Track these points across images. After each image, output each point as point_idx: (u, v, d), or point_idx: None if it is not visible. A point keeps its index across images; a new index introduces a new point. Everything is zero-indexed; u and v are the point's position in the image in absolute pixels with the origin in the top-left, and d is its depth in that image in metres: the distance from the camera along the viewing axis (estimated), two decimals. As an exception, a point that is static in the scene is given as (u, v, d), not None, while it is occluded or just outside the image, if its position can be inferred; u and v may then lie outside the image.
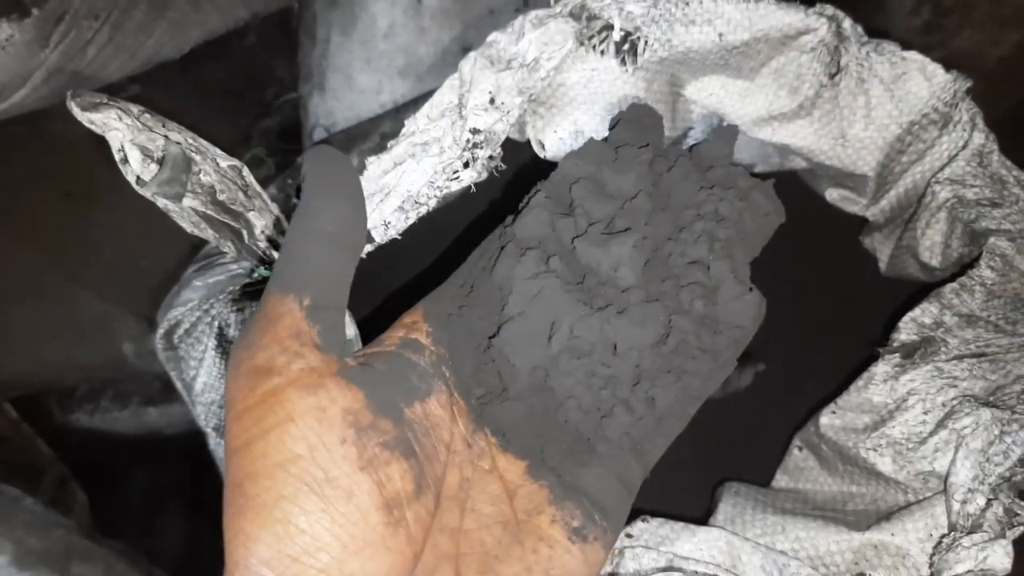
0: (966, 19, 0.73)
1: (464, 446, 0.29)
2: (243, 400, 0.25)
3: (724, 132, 0.36)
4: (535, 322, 0.30)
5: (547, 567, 0.28)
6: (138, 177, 0.28)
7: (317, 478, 0.24)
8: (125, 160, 0.27)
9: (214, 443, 0.45)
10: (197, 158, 0.29)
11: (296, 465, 0.24)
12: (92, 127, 0.26)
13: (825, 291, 0.49)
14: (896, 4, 0.75)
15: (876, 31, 0.80)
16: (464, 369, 0.30)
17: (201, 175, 0.29)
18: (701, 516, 0.41)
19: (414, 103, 0.51)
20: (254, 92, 0.86)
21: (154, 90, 0.81)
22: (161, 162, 0.28)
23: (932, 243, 0.40)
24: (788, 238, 0.50)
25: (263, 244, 0.35)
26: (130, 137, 0.26)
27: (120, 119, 0.26)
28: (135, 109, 0.27)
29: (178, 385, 0.46)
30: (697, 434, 0.49)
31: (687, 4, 0.35)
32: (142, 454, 0.97)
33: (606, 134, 0.40)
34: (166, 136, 0.28)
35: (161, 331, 0.42)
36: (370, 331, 0.32)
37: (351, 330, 0.31)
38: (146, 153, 0.27)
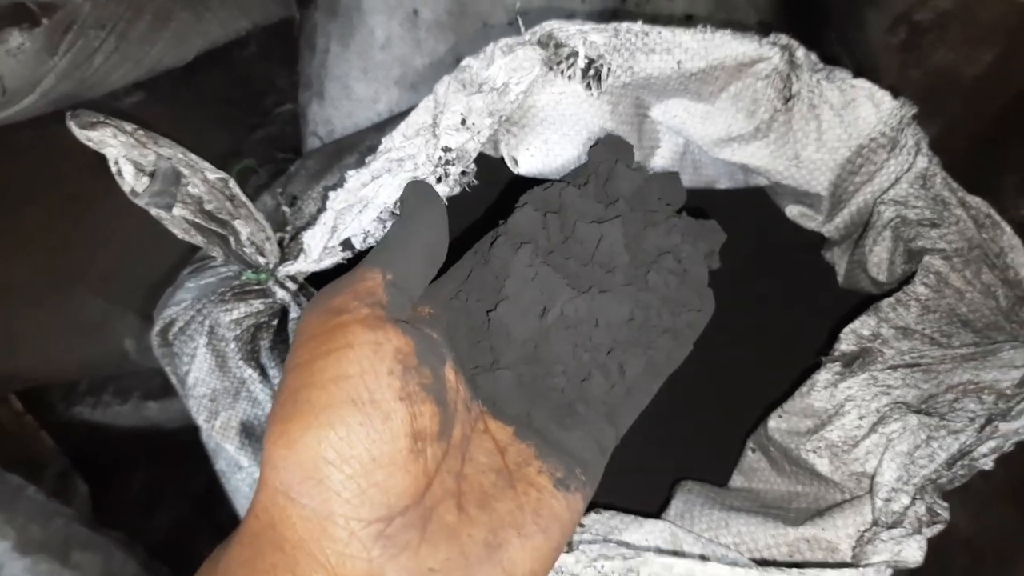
0: (941, 39, 0.75)
1: (464, 409, 0.33)
2: (313, 328, 0.30)
3: (666, 179, 0.41)
4: (530, 300, 0.35)
5: (536, 507, 0.31)
6: (132, 188, 0.30)
7: (362, 397, 0.28)
8: (120, 173, 0.30)
9: (206, 435, 0.48)
10: (186, 172, 0.31)
11: (347, 382, 0.28)
12: (89, 144, 0.29)
13: (788, 301, 0.52)
14: (874, 23, 0.77)
15: (854, 50, 0.82)
16: (460, 346, 0.34)
17: (190, 187, 0.32)
18: (656, 513, 0.43)
19: (398, 118, 0.54)
20: (254, 100, 0.89)
21: (156, 97, 0.83)
22: (152, 175, 0.30)
23: (879, 259, 0.42)
24: (753, 251, 0.52)
25: (249, 249, 0.37)
26: (124, 153, 0.29)
27: (115, 136, 0.29)
28: (129, 127, 0.30)
29: (173, 379, 0.48)
30: (661, 437, 0.52)
31: (646, 34, 0.38)
32: (142, 447, 0.98)
33: (574, 150, 0.43)
34: (157, 152, 0.31)
35: (157, 329, 0.45)
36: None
37: None
38: (139, 167, 0.30)
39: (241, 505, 0.52)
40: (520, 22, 0.39)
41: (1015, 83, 0.76)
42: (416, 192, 0.37)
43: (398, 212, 0.39)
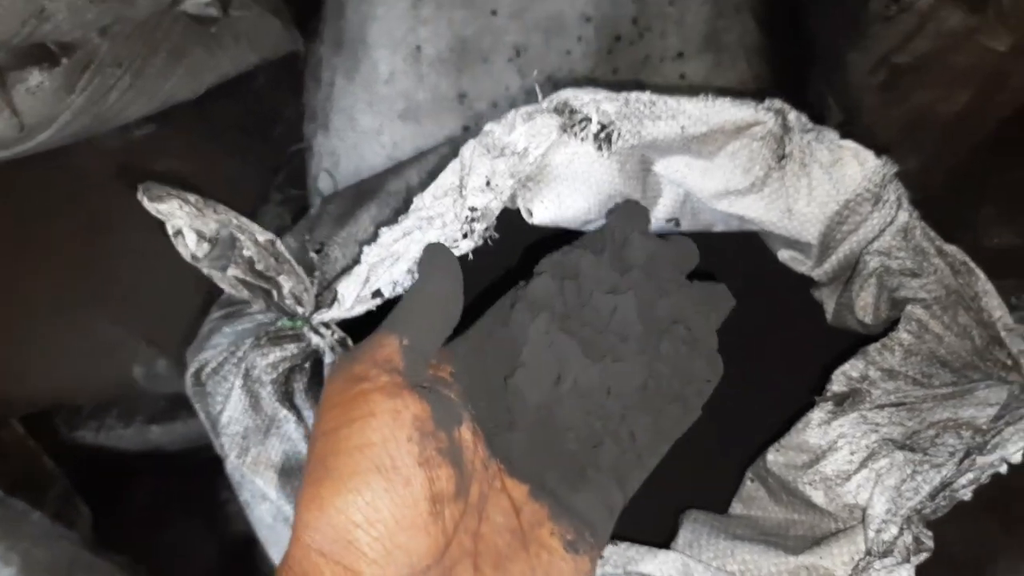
0: (920, 80, 0.79)
1: (482, 468, 0.35)
2: (337, 396, 0.32)
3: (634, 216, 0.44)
4: (545, 368, 0.37)
5: (547, 570, 0.34)
6: (192, 255, 0.33)
7: (385, 464, 0.30)
8: (183, 241, 0.33)
9: (233, 468, 0.50)
10: (240, 237, 0.35)
11: (371, 450, 0.30)
12: (159, 215, 0.32)
13: (779, 337, 0.56)
14: (857, 64, 0.81)
15: (838, 89, 0.86)
16: (479, 404, 0.37)
17: (244, 250, 0.35)
18: (665, 541, 0.47)
19: (415, 161, 0.57)
20: (263, 130, 0.91)
21: (169, 128, 0.86)
22: (211, 241, 0.33)
23: (865, 304, 0.46)
24: (748, 292, 0.56)
25: (290, 301, 0.40)
26: (188, 223, 0.32)
27: (181, 207, 0.32)
28: (192, 198, 0.33)
29: (201, 416, 0.51)
30: (666, 468, 0.55)
31: (654, 103, 0.41)
32: (145, 470, 0.99)
33: (584, 203, 0.47)
34: (216, 219, 0.34)
35: (191, 371, 0.48)
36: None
37: None
38: (200, 235, 0.33)
39: (263, 534, 0.55)
40: (538, 90, 0.42)
41: (989, 122, 0.80)
42: (431, 256, 0.39)
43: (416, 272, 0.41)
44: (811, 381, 0.51)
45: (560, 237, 0.52)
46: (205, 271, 0.35)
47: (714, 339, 0.42)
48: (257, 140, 0.91)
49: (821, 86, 0.85)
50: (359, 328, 0.50)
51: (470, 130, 0.82)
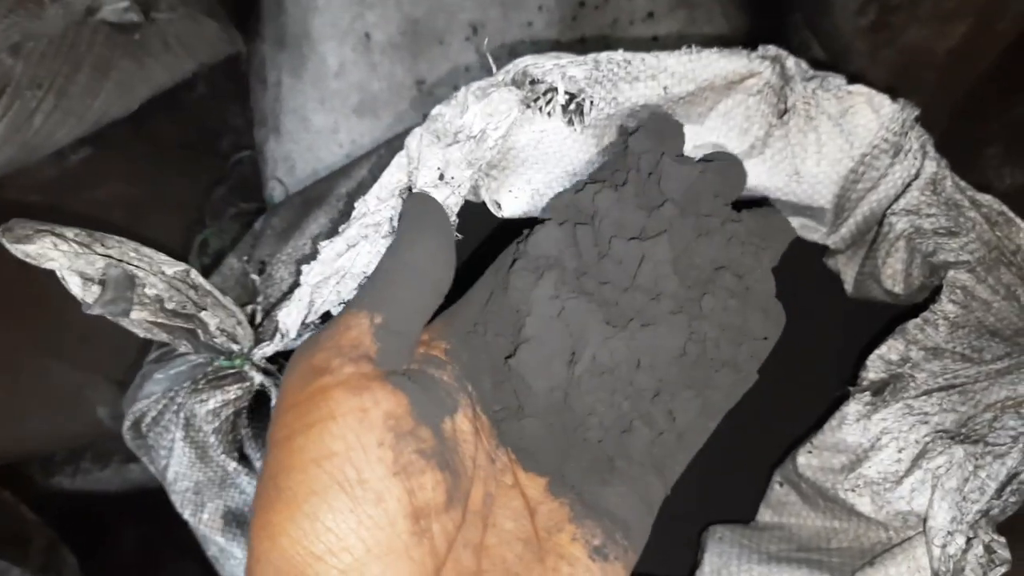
0: (912, 15, 0.73)
1: (488, 461, 0.29)
2: (292, 396, 0.26)
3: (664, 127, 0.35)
4: (554, 344, 0.29)
5: None
6: (82, 299, 0.27)
7: (350, 478, 0.24)
8: (66, 284, 0.26)
9: (193, 527, 0.45)
10: (140, 272, 0.28)
11: (331, 462, 0.24)
12: (28, 260, 0.26)
13: (792, 317, 0.49)
14: (842, 5, 0.75)
15: (823, 34, 0.80)
16: (483, 385, 0.30)
17: (147, 288, 0.29)
18: (687, 564, 0.41)
19: (363, 159, 0.50)
20: (210, 143, 0.85)
21: (106, 150, 0.79)
22: (102, 283, 0.27)
23: (894, 271, 0.40)
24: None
25: (220, 339, 0.34)
26: (68, 264, 0.26)
27: (55, 247, 0.26)
28: (70, 232, 0.27)
29: (151, 469, 0.45)
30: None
31: (629, 63, 0.35)
32: (129, 511, 0.96)
33: (560, 188, 0.40)
34: (106, 255, 0.27)
35: (128, 423, 0.42)
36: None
37: None
38: (86, 277, 0.27)
39: (239, 591, 0.49)
40: (490, 60, 0.36)
41: (989, 55, 0.75)
42: (413, 209, 0.31)
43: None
44: (835, 363, 0.45)
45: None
46: (109, 317, 0.29)
47: (771, 282, 0.33)
48: (204, 154, 0.84)
49: (804, 33, 0.79)
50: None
51: (432, 118, 0.76)
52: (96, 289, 0.27)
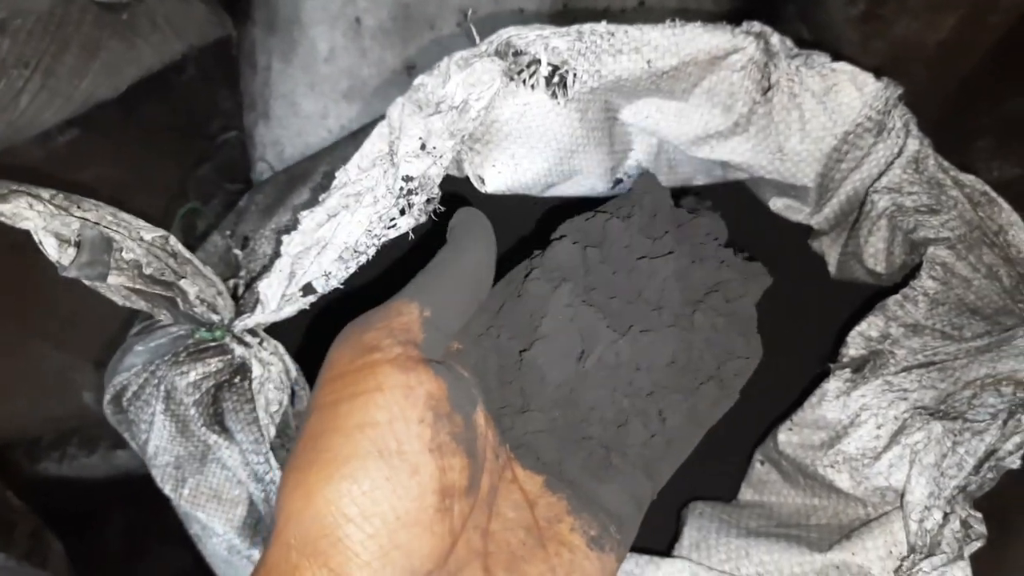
0: (902, 7, 0.73)
1: (493, 456, 0.30)
2: (341, 366, 0.27)
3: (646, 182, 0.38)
4: (567, 343, 0.33)
5: (569, 570, 0.29)
6: (58, 261, 0.27)
7: (390, 447, 0.25)
8: (42, 246, 0.26)
9: (175, 503, 0.44)
10: (118, 236, 0.28)
11: (374, 430, 0.25)
12: (3, 219, 0.25)
13: (777, 299, 0.49)
14: (833, -4, 0.75)
15: (815, 24, 0.80)
16: (489, 385, 0.32)
17: (124, 252, 0.28)
18: (667, 540, 0.41)
19: (349, 139, 0.50)
20: (198, 126, 0.84)
21: (93, 132, 0.78)
22: (78, 245, 0.27)
23: (876, 250, 0.40)
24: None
25: (199, 308, 0.34)
26: (43, 224, 0.26)
27: (31, 207, 0.26)
28: (46, 193, 0.26)
29: (133, 445, 0.45)
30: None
31: (612, 35, 0.35)
32: (116, 497, 0.95)
33: (543, 163, 0.40)
34: (83, 217, 0.27)
35: (108, 396, 0.41)
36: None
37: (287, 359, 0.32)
38: (62, 238, 0.26)
39: (220, 568, 0.49)
40: (474, 32, 0.35)
41: (980, 47, 0.75)
42: (465, 220, 0.33)
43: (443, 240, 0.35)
44: (819, 345, 0.45)
45: (523, 206, 0.46)
46: (85, 282, 0.28)
47: (754, 314, 0.36)
48: (193, 138, 0.83)
49: (795, 22, 0.79)
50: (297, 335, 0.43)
51: (421, 103, 0.76)
52: (72, 251, 0.27)
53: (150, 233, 0.30)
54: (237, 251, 0.41)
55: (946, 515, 0.31)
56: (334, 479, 0.25)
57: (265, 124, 0.83)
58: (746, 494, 0.43)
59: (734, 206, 0.49)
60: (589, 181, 0.43)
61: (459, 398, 0.28)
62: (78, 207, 0.27)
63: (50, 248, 0.26)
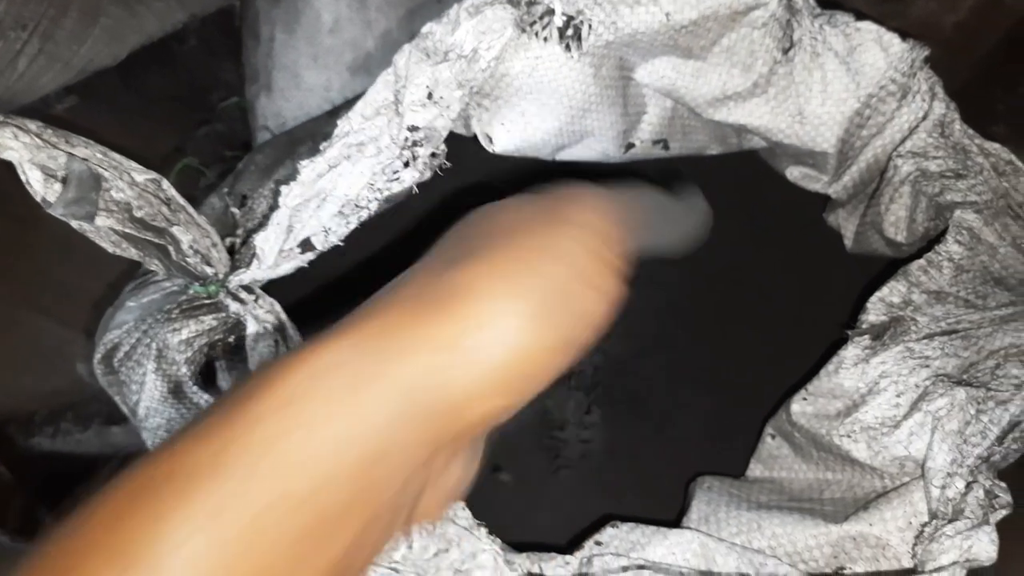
0: (921, -14, 0.72)
1: None
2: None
3: None
4: None
5: None
6: (43, 197, 0.25)
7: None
8: (27, 181, 0.25)
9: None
10: (107, 174, 0.26)
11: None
12: (-16, 147, 0.24)
13: (791, 272, 0.48)
14: (850, -26, 0.74)
15: (832, 4, 0.79)
16: None
17: (113, 192, 0.27)
18: (675, 515, 0.39)
19: (354, 101, 0.49)
20: (199, 97, 0.83)
21: (93, 100, 0.77)
22: (65, 181, 0.25)
23: (897, 218, 0.38)
24: (751, 220, 0.49)
25: (193, 259, 0.32)
26: (28, 157, 0.24)
27: (16, 138, 0.24)
28: (33, 126, 0.25)
29: (123, 409, 0.43)
30: (668, 427, 0.48)
31: (630, -17, 0.33)
32: (109, 473, 0.94)
33: (554, 122, 0.38)
34: (71, 152, 0.26)
35: (99, 355, 0.40)
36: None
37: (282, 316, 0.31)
38: (48, 172, 0.25)
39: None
40: (485, -21, 0.34)
41: (998, 30, 0.73)
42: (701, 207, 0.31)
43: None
44: (832, 318, 0.44)
45: (531, 168, 0.45)
46: (73, 224, 0.27)
47: None
48: (194, 108, 0.82)
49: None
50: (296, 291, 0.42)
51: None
52: (58, 187, 0.25)
53: (142, 175, 0.28)
54: (235, 209, 0.39)
55: (969, 484, 0.30)
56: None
57: (267, 96, 0.81)
58: (755, 470, 0.41)
59: (750, 177, 0.48)
60: (601, 145, 0.41)
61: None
62: (67, 142, 0.26)
63: (35, 182, 0.25)
